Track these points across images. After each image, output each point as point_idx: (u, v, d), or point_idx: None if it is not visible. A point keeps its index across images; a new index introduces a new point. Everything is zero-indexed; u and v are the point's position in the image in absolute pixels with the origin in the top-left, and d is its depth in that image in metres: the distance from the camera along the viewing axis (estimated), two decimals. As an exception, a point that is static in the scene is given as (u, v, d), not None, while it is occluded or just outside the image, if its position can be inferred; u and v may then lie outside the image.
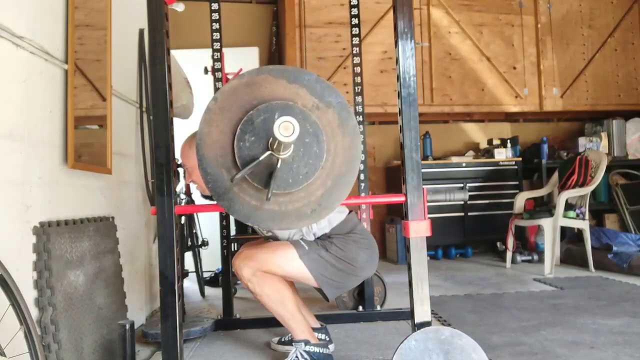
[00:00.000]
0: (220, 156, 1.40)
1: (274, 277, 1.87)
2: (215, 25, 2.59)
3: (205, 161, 1.40)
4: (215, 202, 1.47)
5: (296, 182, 1.37)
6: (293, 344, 1.93)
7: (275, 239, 2.00)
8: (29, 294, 1.57)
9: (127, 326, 1.74)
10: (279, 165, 1.33)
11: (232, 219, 2.89)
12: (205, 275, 3.75)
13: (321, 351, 1.91)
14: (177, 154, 2.02)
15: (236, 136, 1.37)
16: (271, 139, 1.32)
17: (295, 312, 1.89)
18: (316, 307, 2.82)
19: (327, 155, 1.40)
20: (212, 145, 1.40)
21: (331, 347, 2.09)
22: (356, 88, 2.76)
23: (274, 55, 5.07)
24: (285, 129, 1.20)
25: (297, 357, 1.87)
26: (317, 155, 1.38)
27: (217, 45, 2.58)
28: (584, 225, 3.89)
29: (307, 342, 1.89)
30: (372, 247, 2.00)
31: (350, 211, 2.06)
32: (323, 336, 2.10)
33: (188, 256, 3.45)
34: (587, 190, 3.93)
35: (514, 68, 5.10)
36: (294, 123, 1.20)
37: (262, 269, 1.83)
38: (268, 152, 1.32)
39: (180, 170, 3.47)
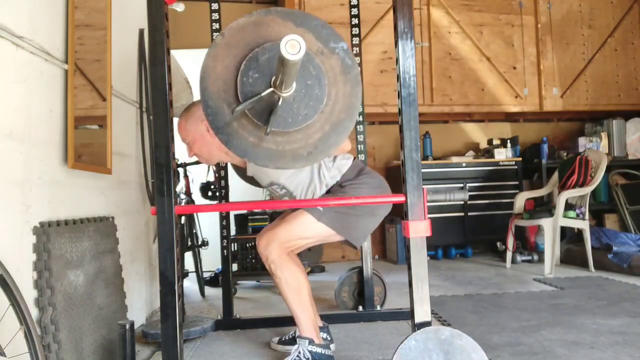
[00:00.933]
0: (223, 90, 1.41)
1: (297, 265, 1.92)
2: (215, 25, 2.59)
3: (207, 94, 1.42)
4: (215, 202, 1.47)
5: (295, 122, 1.39)
6: (297, 339, 1.93)
7: (290, 195, 2.02)
8: (29, 294, 1.57)
9: (127, 326, 1.74)
10: (280, 103, 1.35)
11: (232, 219, 2.89)
12: (205, 275, 3.75)
13: (323, 352, 1.91)
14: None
15: (240, 72, 1.39)
16: (274, 76, 1.33)
17: (307, 305, 1.91)
18: (316, 307, 2.81)
19: (328, 100, 1.42)
20: (216, 79, 1.42)
21: (332, 346, 2.09)
22: (356, 88, 2.75)
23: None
24: (292, 46, 1.18)
25: (299, 355, 1.88)
26: (318, 98, 1.40)
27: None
28: (584, 225, 3.89)
29: (311, 341, 1.89)
30: (383, 185, 2.04)
31: (354, 157, 2.10)
32: (325, 335, 2.10)
33: (188, 256, 3.45)
34: (587, 190, 3.93)
35: (514, 68, 5.10)
36: (300, 41, 1.18)
37: (286, 245, 1.86)
38: (270, 89, 1.34)
39: (181, 170, 3.48)
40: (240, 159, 2.05)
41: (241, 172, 2.23)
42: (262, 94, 1.34)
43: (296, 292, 1.89)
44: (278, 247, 1.85)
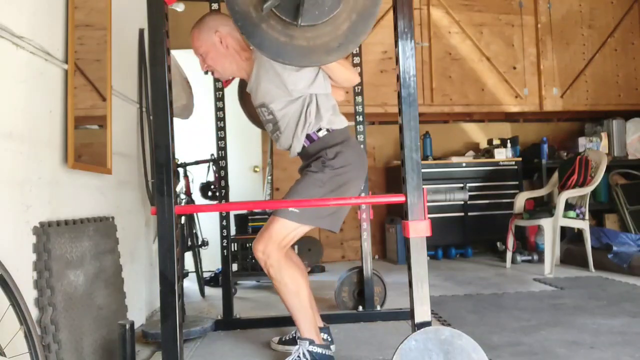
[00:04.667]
0: None
1: (295, 267, 1.91)
2: (215, 25, 2.58)
3: (233, 0, 1.43)
4: (215, 202, 1.47)
5: (322, 14, 1.42)
6: (298, 340, 1.93)
7: (275, 124, 2.00)
8: (29, 294, 1.57)
9: (127, 326, 1.74)
10: None
11: (232, 219, 2.89)
12: (205, 275, 3.75)
13: (324, 352, 1.91)
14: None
15: None
16: None
17: (306, 307, 1.91)
18: (316, 307, 2.81)
19: None
20: None
21: (332, 347, 2.09)
22: (356, 88, 2.76)
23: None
24: None
25: (299, 356, 1.88)
26: None
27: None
28: (584, 225, 3.89)
29: (311, 342, 1.89)
30: (362, 160, 2.02)
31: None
32: (325, 336, 2.10)
33: (188, 256, 3.45)
34: (587, 190, 3.93)
35: (514, 68, 5.10)
36: None
37: (282, 243, 1.86)
38: None
39: (180, 170, 3.48)
40: (246, 72, 2.04)
41: (243, 94, 2.22)
42: None
43: (295, 295, 1.88)
44: (276, 250, 1.84)
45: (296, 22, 1.38)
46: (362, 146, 2.57)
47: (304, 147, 1.98)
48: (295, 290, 1.88)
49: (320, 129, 1.95)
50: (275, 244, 1.84)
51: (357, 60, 2.72)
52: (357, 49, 2.71)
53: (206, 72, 2.08)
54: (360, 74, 2.72)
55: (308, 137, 1.96)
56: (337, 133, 1.97)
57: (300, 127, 1.95)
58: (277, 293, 1.93)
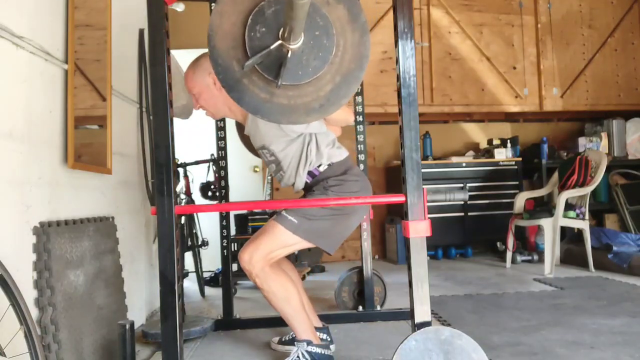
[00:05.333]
0: (232, 48, 1.41)
1: (281, 274, 1.88)
2: (215, 25, 2.59)
3: (216, 52, 1.41)
4: (215, 202, 1.46)
5: (305, 75, 1.39)
6: (295, 343, 1.93)
7: (277, 164, 2.02)
8: (29, 294, 1.57)
9: (127, 326, 1.74)
10: (289, 56, 1.34)
11: (232, 219, 2.89)
12: (205, 275, 3.75)
13: (322, 352, 1.90)
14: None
15: (247, 27, 1.38)
16: (282, 28, 1.32)
17: (299, 311, 1.90)
18: (316, 307, 2.80)
19: (337, 50, 1.42)
20: (224, 36, 1.41)
21: (332, 347, 2.09)
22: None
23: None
24: None
25: (298, 357, 1.88)
26: (327, 49, 1.39)
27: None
28: (584, 225, 3.89)
29: (309, 343, 1.89)
30: (365, 187, 2.01)
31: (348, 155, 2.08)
32: (324, 336, 2.10)
33: (188, 256, 3.45)
34: (587, 190, 3.93)
35: (514, 68, 5.10)
36: None
37: (269, 256, 1.84)
38: (278, 42, 1.34)
39: (180, 170, 3.48)
40: (241, 115, 2.05)
41: (242, 131, 2.23)
42: (271, 47, 1.33)
43: (286, 301, 1.87)
44: (261, 260, 1.82)
45: (277, 81, 1.35)
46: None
47: (306, 183, 2.01)
48: (285, 296, 1.86)
49: (321, 164, 1.98)
50: (261, 255, 1.83)
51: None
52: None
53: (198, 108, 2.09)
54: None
55: (310, 173, 1.99)
56: (337, 165, 1.99)
57: (302, 165, 1.97)
58: (268, 302, 1.91)
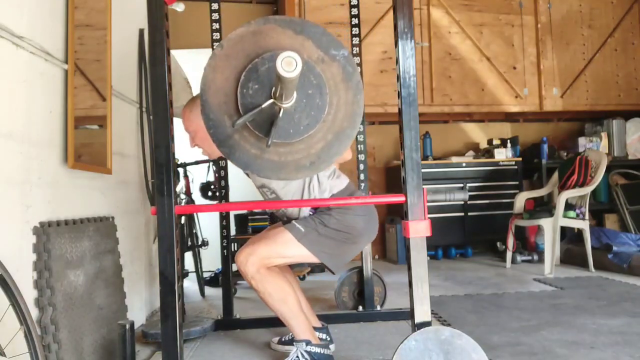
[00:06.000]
0: (224, 103, 1.41)
1: (277, 275, 1.88)
2: (215, 25, 2.59)
3: (208, 107, 1.41)
4: (215, 202, 1.47)
5: (297, 133, 1.38)
6: (294, 343, 1.93)
7: (278, 199, 2.02)
8: (29, 294, 1.57)
9: (127, 326, 1.74)
10: (280, 115, 1.34)
11: (232, 219, 2.89)
12: (205, 275, 3.75)
13: (322, 351, 1.90)
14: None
15: (240, 83, 1.38)
16: (274, 88, 1.31)
17: (297, 311, 1.89)
18: (316, 307, 2.82)
19: (329, 108, 1.41)
20: (216, 91, 1.41)
21: (332, 347, 2.09)
22: (356, 88, 2.75)
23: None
24: (288, 64, 1.16)
25: (297, 357, 1.87)
26: (319, 108, 1.39)
27: (217, 45, 2.57)
28: (584, 225, 3.89)
29: (308, 342, 1.89)
30: (369, 212, 2.02)
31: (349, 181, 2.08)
32: (324, 336, 2.10)
33: (188, 256, 3.45)
34: (587, 190, 3.93)
35: (514, 68, 5.10)
36: (296, 58, 1.16)
37: (265, 261, 1.83)
38: (271, 101, 1.33)
39: (180, 170, 3.48)
40: None
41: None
42: (263, 106, 1.32)
43: (282, 302, 1.87)
44: (257, 263, 1.82)
45: (267, 141, 1.33)
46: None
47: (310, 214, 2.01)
48: (281, 297, 1.86)
49: (322, 192, 1.98)
50: (258, 258, 1.83)
51: (357, 60, 2.72)
52: (357, 48, 2.71)
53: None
54: (361, 74, 2.71)
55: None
56: (339, 195, 1.99)
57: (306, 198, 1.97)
58: (265, 304, 1.91)
